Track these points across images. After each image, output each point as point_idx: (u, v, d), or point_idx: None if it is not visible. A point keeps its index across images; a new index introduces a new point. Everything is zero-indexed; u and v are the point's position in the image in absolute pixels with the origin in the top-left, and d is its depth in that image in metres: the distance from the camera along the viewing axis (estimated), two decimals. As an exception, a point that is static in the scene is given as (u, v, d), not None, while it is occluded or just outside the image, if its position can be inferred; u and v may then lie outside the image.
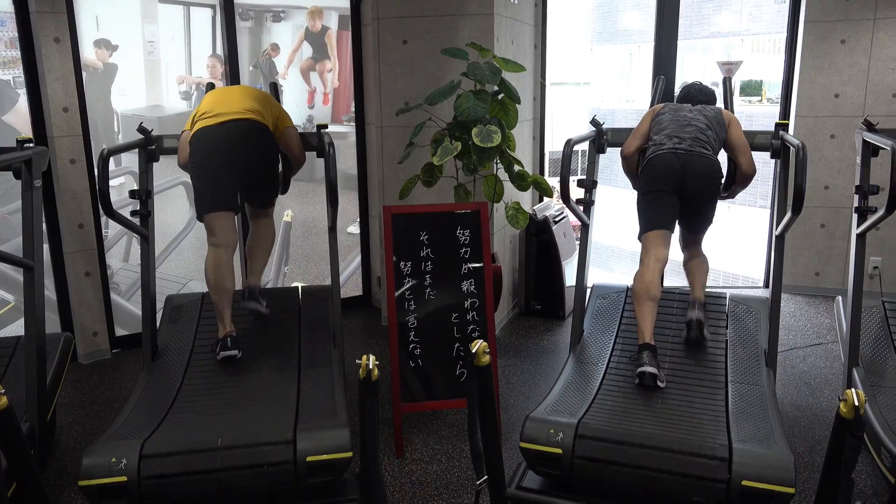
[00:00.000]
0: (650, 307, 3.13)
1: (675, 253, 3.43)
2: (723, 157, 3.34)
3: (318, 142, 3.46)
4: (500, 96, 4.07)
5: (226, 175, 3.17)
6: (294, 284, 4.58)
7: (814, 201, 5.28)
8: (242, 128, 3.16)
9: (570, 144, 3.19)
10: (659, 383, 2.97)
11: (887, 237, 5.16)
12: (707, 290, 3.47)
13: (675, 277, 3.47)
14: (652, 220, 3.24)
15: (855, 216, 3.27)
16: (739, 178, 3.35)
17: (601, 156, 3.59)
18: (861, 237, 3.27)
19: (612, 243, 14.83)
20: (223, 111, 3.18)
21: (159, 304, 3.59)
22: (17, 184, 3.00)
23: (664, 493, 2.45)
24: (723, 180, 3.29)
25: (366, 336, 4.77)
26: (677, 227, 3.35)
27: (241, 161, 3.16)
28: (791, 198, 2.89)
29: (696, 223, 3.36)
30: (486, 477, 2.35)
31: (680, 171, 3.15)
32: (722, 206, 3.43)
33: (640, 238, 3.30)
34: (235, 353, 3.20)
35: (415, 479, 3.08)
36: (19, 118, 4.02)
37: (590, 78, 20.44)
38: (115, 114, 4.33)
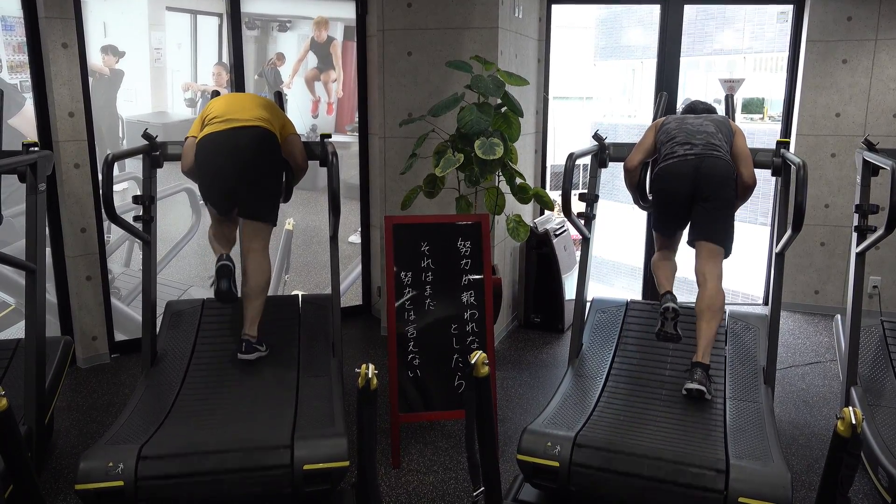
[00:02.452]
0: (669, 268, 3.38)
1: (685, 269, 3.43)
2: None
3: (321, 151, 3.48)
4: (503, 109, 4.10)
5: (231, 180, 3.18)
6: (294, 293, 4.60)
7: (814, 220, 5.29)
8: (252, 134, 3.17)
9: (572, 158, 3.21)
10: (679, 330, 3.14)
11: (887, 257, 5.17)
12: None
13: (682, 294, 3.45)
14: (666, 226, 3.40)
15: (854, 235, 3.29)
16: (740, 189, 3.33)
17: (603, 170, 3.61)
18: (860, 256, 3.28)
19: (612, 258, 14.82)
20: (234, 117, 3.19)
21: (159, 310, 3.60)
22: (21, 187, 3.02)
23: (661, 509, 2.45)
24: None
25: (365, 346, 4.77)
26: (692, 258, 3.32)
27: (248, 167, 3.17)
28: (791, 216, 2.90)
29: (712, 232, 3.17)
30: (482, 489, 2.35)
31: (692, 176, 3.14)
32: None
33: (653, 230, 3.56)
34: (229, 264, 3.23)
35: (411, 489, 3.08)
36: (25, 122, 4.05)
37: (593, 92, 20.53)
38: (120, 119, 4.35)
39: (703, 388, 2.98)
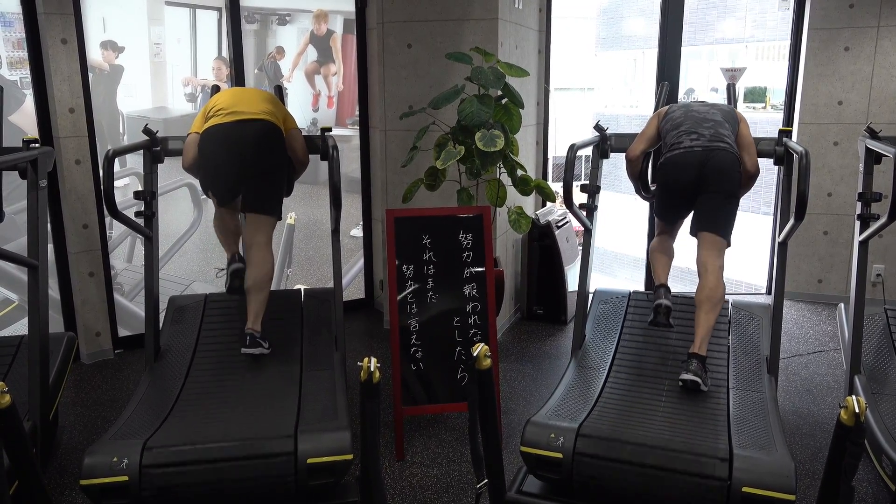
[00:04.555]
0: (665, 258, 3.45)
1: (686, 258, 3.43)
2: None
3: (322, 145, 3.47)
4: (503, 101, 4.08)
5: (235, 173, 3.19)
6: (297, 287, 4.60)
7: (817, 208, 5.27)
8: (258, 128, 3.17)
9: (573, 149, 3.20)
10: (671, 321, 3.25)
11: (890, 245, 5.15)
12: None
13: (684, 284, 3.46)
14: (669, 215, 3.46)
15: (857, 223, 3.28)
16: (744, 178, 3.32)
17: (604, 161, 3.60)
18: (863, 244, 3.27)
19: (614, 249, 14.80)
20: (240, 109, 3.19)
21: (162, 305, 3.60)
22: (22, 184, 3.02)
23: (664, 499, 2.45)
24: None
25: (368, 339, 4.78)
26: (694, 249, 3.32)
27: (253, 160, 3.17)
28: (794, 205, 2.89)
29: (716, 223, 3.16)
30: (486, 481, 2.35)
31: (699, 167, 3.13)
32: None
33: (655, 217, 3.63)
34: (241, 266, 3.33)
35: (415, 482, 3.09)
36: (25, 118, 4.04)
37: (594, 83, 20.44)
38: (120, 115, 4.35)
39: (698, 379, 2.96)
